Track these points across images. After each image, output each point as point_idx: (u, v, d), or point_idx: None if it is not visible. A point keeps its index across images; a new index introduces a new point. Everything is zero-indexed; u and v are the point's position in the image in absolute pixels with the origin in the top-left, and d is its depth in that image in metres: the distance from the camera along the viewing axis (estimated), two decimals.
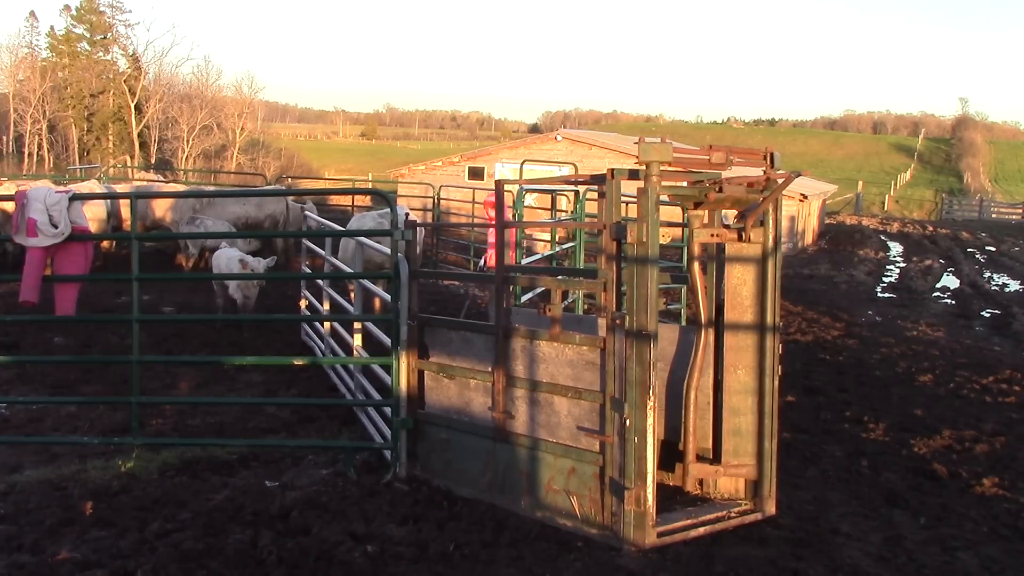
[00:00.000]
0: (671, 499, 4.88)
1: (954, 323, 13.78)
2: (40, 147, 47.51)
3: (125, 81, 49.74)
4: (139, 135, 48.79)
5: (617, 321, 4.37)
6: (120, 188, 15.90)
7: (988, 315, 14.84)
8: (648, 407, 4.26)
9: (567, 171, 17.58)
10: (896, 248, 27.21)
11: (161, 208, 13.66)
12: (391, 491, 5.09)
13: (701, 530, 4.54)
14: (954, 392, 8.24)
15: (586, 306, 10.45)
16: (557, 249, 11.70)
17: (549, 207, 13.61)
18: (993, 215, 46.12)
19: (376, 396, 6.29)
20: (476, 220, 18.61)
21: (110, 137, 49.33)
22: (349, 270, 7.77)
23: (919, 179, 77.81)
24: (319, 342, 8.58)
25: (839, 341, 10.77)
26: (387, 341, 5.58)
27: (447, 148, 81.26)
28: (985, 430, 6.81)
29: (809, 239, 28.06)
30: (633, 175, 4.35)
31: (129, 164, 36.81)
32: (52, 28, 52.94)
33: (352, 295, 8.28)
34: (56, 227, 6.63)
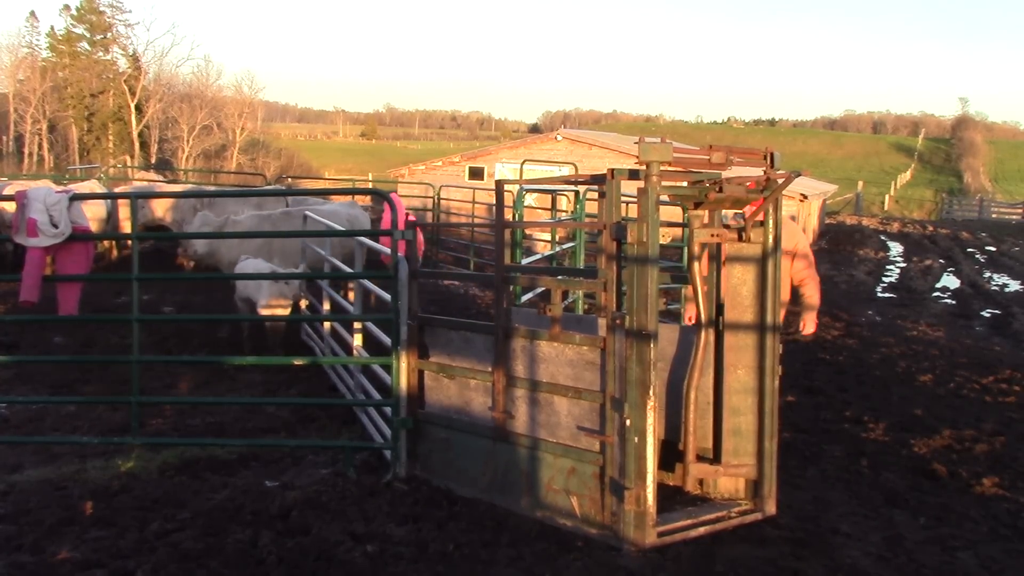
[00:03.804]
0: (671, 499, 4.88)
1: (954, 323, 13.77)
2: (40, 147, 47.53)
3: (125, 81, 49.74)
4: (139, 135, 48.79)
5: (617, 321, 4.37)
6: (121, 188, 15.91)
7: (988, 315, 14.84)
8: (648, 407, 4.26)
9: (567, 171, 17.59)
10: (896, 248, 27.20)
11: (161, 208, 13.65)
12: (391, 491, 5.09)
13: (701, 530, 4.54)
14: (954, 392, 8.24)
15: (586, 306, 10.46)
16: (557, 249, 11.70)
17: (549, 207, 13.62)
18: (993, 215, 46.07)
19: (376, 396, 6.29)
20: (476, 220, 18.61)
21: (110, 137, 49.33)
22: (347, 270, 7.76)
23: (919, 179, 77.86)
24: (319, 342, 8.58)
25: (839, 341, 10.76)
26: (387, 341, 5.58)
27: (447, 148, 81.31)
28: (985, 430, 6.80)
29: (809, 239, 28.06)
30: (633, 175, 4.35)
31: (129, 164, 36.80)
32: (52, 28, 52.96)
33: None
34: (56, 227, 6.65)
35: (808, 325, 6.64)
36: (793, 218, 24.53)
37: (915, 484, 5.59)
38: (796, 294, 6.74)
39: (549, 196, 13.63)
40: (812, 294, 6.61)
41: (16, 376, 7.65)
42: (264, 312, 8.34)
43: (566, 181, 6.33)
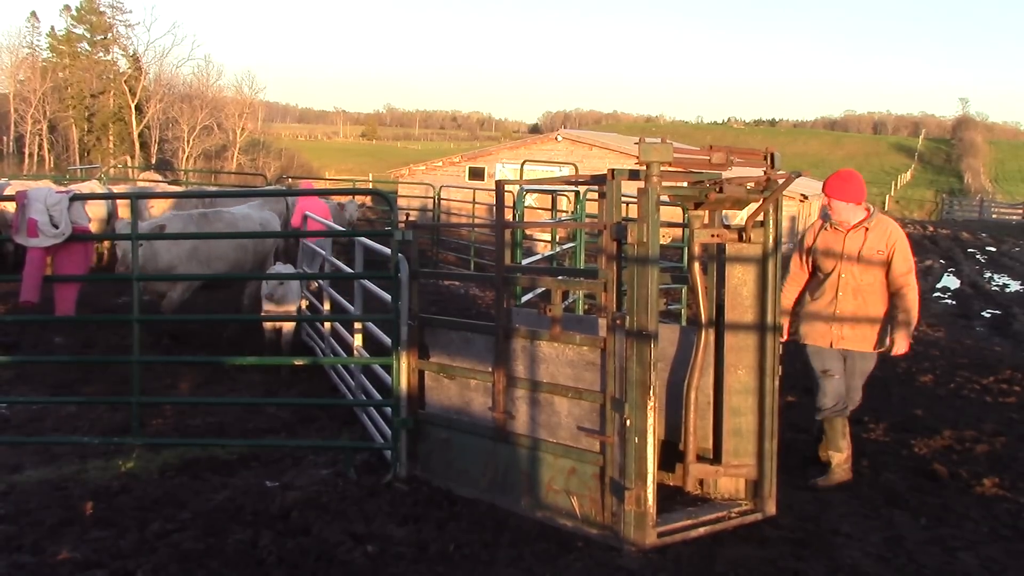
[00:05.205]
0: (671, 499, 4.87)
1: (954, 323, 13.77)
2: (41, 147, 47.55)
3: (125, 81, 49.76)
4: (139, 135, 48.81)
5: (617, 321, 4.37)
6: (121, 189, 15.87)
7: (988, 315, 14.84)
8: (648, 407, 4.26)
9: (567, 171, 17.59)
10: None
11: (161, 209, 13.63)
12: (391, 491, 5.09)
13: (701, 530, 4.54)
14: (954, 392, 8.23)
15: (586, 306, 10.45)
16: (557, 249, 11.70)
17: (549, 207, 13.62)
18: (993, 215, 46.07)
19: (376, 396, 6.29)
20: (476, 220, 18.62)
21: (111, 137, 49.36)
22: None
23: (919, 179, 77.93)
24: (319, 342, 8.58)
25: None
26: (387, 341, 5.58)
27: (447, 148, 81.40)
28: (985, 430, 6.80)
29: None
30: (633, 175, 4.35)
31: (130, 164, 36.82)
32: (52, 28, 53.00)
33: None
34: (57, 227, 6.65)
35: (900, 344, 5.50)
36: (793, 218, 24.54)
37: (915, 484, 5.58)
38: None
39: (549, 196, 13.62)
40: (911, 306, 5.50)
41: (16, 376, 7.65)
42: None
43: (566, 181, 6.33)
